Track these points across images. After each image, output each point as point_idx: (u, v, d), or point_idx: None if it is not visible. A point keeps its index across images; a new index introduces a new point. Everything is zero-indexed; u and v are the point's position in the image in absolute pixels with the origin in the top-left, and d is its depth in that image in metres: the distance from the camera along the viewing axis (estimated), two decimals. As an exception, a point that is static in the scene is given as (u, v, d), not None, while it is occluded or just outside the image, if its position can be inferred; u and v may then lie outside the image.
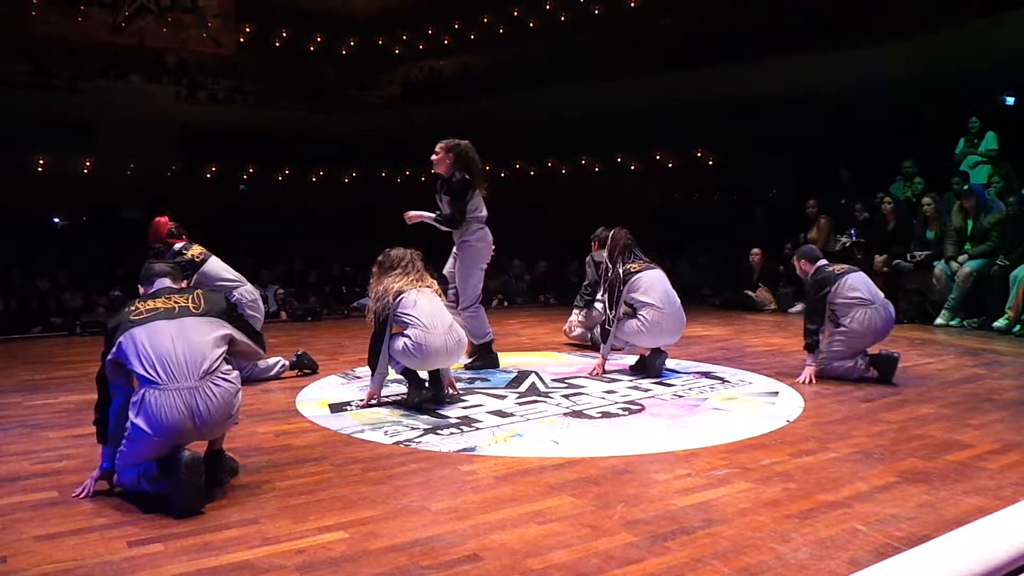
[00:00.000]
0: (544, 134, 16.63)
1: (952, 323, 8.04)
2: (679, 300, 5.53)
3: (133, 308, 3.08)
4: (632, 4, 16.54)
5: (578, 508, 2.96)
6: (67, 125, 15.80)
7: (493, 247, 5.91)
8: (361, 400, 4.71)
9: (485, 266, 5.93)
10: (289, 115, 18.67)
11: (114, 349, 3.00)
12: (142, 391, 2.92)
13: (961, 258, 8.17)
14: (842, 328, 5.25)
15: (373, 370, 4.61)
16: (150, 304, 3.09)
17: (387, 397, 4.80)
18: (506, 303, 11.20)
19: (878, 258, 8.88)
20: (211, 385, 2.98)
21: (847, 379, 5.22)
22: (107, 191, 16.48)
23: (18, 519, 2.88)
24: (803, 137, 12.81)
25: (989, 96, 10.49)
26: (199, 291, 3.21)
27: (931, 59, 11.53)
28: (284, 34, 19.52)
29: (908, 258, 8.73)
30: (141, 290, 3.35)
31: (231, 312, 3.22)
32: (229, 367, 3.11)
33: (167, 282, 3.30)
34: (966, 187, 8.67)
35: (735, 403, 4.69)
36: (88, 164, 16.54)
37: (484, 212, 5.84)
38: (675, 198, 16.25)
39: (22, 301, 9.30)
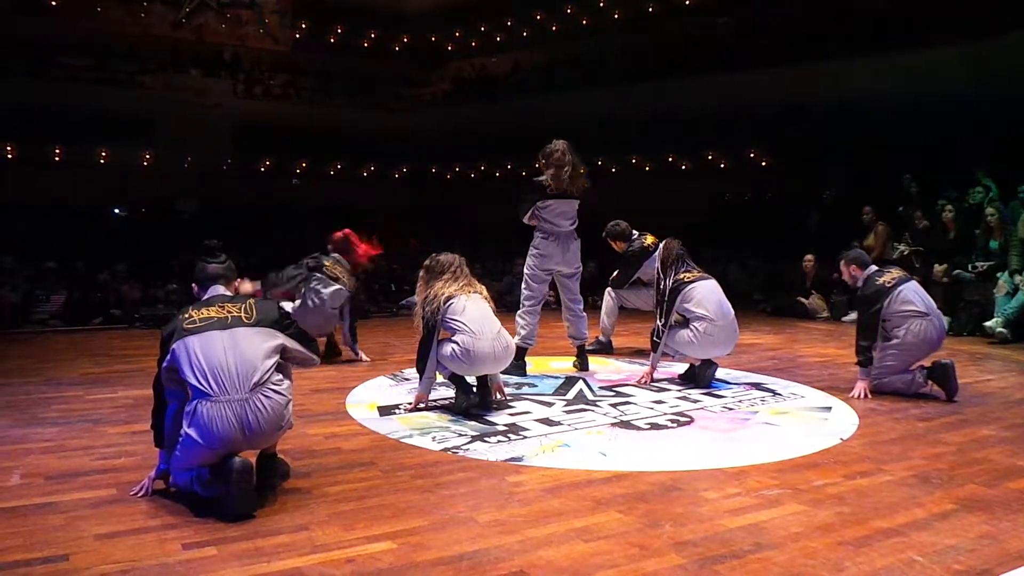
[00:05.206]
0: (594, 133, 16.53)
1: (1000, 329, 7.68)
2: (733, 312, 5.46)
3: (187, 316, 3.14)
4: (688, 2, 16.32)
5: (626, 525, 2.93)
6: (128, 119, 16.18)
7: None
8: (409, 403, 4.75)
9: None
10: (342, 111, 18.89)
11: (168, 356, 3.07)
12: (195, 402, 2.98)
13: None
14: (895, 341, 5.11)
15: (421, 374, 4.65)
16: (203, 313, 3.15)
17: (435, 401, 4.83)
18: (555, 304, 11.15)
19: (938, 268, 8.64)
20: (261, 397, 3.03)
21: (904, 394, 5.09)
22: (165, 184, 16.87)
23: (79, 516, 2.97)
24: (860, 141, 12.51)
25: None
26: (251, 300, 3.26)
27: (998, 63, 11.16)
28: (338, 31, 19.74)
29: (970, 268, 8.47)
30: (195, 289, 3.42)
31: (283, 321, 3.26)
32: (280, 377, 3.15)
33: (220, 288, 3.35)
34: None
35: (786, 418, 4.61)
36: (148, 157, 16.94)
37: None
38: (726, 199, 16.05)
39: (84, 292, 9.58)
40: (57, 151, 16.00)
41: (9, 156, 15.40)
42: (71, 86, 15.69)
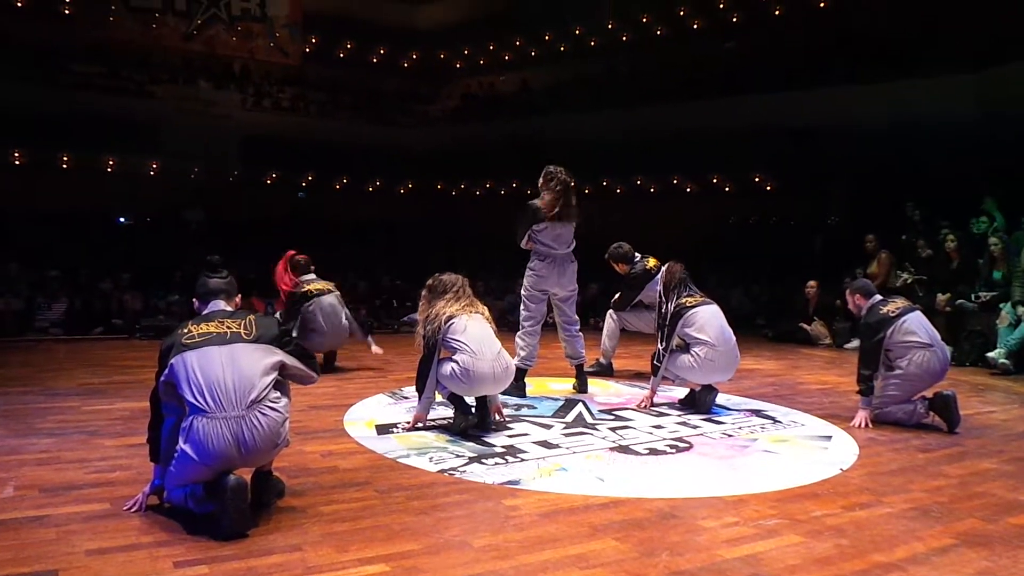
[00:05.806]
0: (601, 153, 16.59)
1: (1003, 360, 7.62)
2: (734, 338, 5.44)
3: (186, 331, 3.13)
4: (695, 26, 16.44)
5: (622, 554, 2.90)
6: (137, 127, 16.27)
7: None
8: (407, 423, 4.73)
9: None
10: (349, 125, 18.96)
11: (166, 371, 3.06)
12: (191, 418, 2.97)
13: (1024, 307, 7.79)
14: (898, 371, 5.08)
15: (420, 394, 4.63)
16: (203, 328, 3.14)
17: (433, 421, 4.81)
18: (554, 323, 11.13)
19: (941, 297, 8.62)
20: (258, 415, 3.01)
21: (905, 425, 5.06)
22: (171, 193, 16.91)
23: (72, 531, 2.95)
24: (865, 167, 12.53)
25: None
26: (251, 316, 3.25)
27: (1002, 91, 11.20)
28: (348, 46, 19.87)
29: (972, 299, 8.45)
30: (196, 304, 3.41)
31: (282, 338, 3.25)
32: (279, 394, 3.13)
33: (221, 303, 3.34)
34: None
35: (786, 446, 4.58)
36: (154, 166, 17.00)
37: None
38: (730, 222, 16.07)
39: (86, 301, 9.59)
40: (65, 158, 16.06)
41: (17, 162, 15.46)
42: (80, 93, 15.78)
